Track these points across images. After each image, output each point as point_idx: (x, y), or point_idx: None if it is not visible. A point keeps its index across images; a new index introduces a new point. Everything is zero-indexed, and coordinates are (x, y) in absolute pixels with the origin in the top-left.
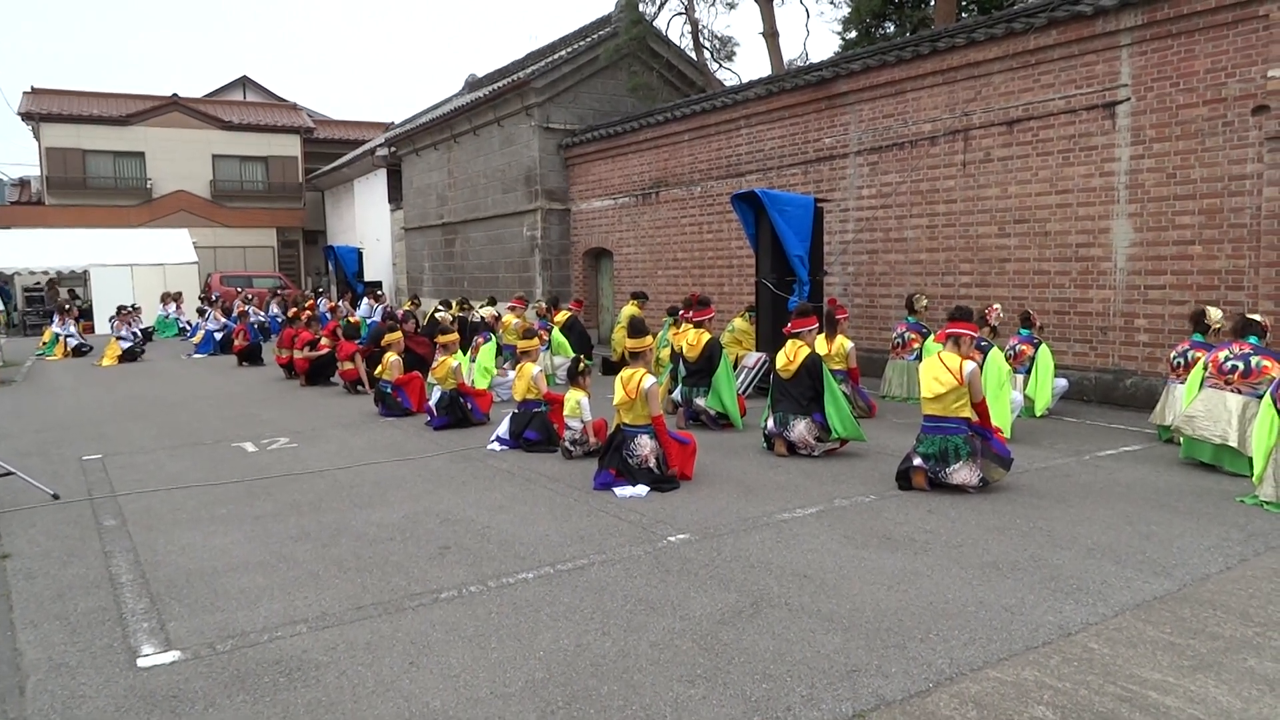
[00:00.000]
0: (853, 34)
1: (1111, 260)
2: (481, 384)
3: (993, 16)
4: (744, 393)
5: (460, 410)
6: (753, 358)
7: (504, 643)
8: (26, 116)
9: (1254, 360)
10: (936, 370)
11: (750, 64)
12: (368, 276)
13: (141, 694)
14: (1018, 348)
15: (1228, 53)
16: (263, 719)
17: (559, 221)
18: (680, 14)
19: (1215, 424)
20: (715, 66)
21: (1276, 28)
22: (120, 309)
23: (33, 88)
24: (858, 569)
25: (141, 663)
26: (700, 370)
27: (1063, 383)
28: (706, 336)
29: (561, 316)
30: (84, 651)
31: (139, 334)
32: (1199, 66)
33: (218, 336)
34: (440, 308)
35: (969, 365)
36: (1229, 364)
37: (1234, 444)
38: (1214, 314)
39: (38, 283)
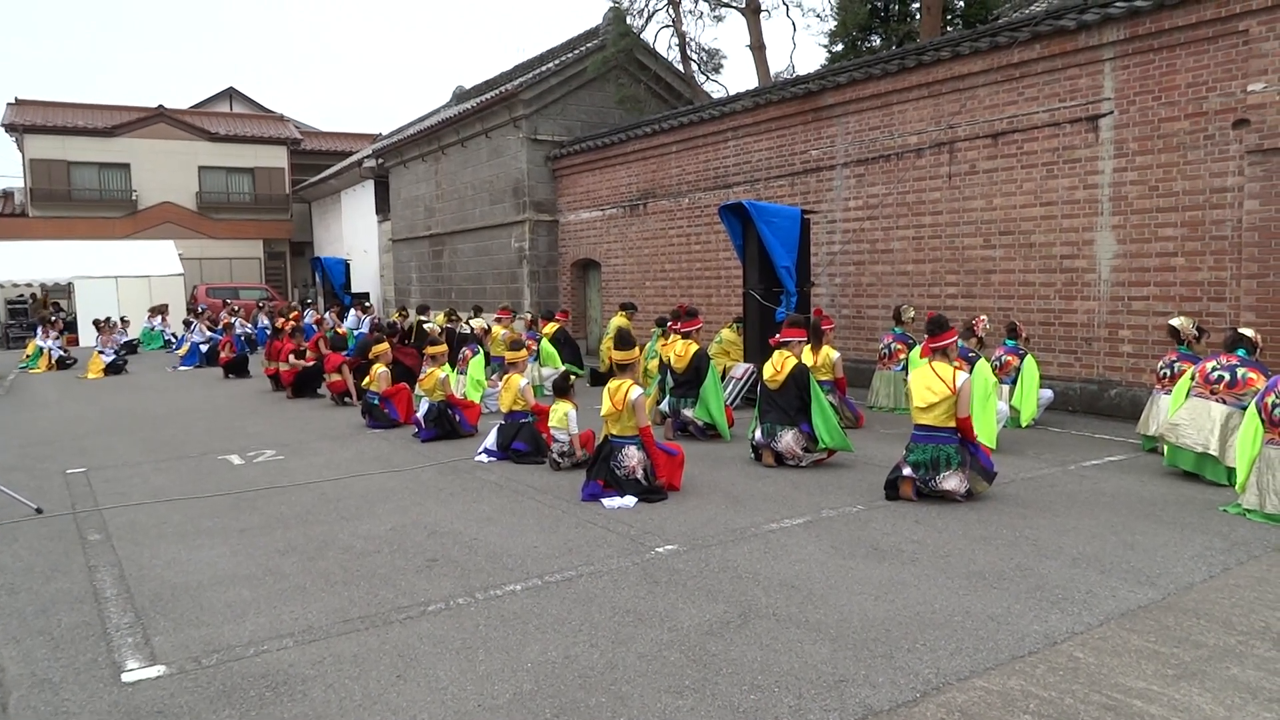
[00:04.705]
0: (839, 47)
1: (1095, 272)
2: (473, 396)
3: (977, 30)
4: (732, 403)
5: (448, 422)
6: (740, 368)
7: (492, 655)
8: (10, 128)
9: (1240, 371)
10: (929, 380)
11: (737, 76)
12: (355, 288)
13: (126, 709)
14: (1003, 358)
15: (1208, 67)
16: None
17: (547, 233)
18: (668, 26)
19: (1199, 433)
20: (703, 79)
21: (1256, 43)
22: (98, 323)
23: (16, 99)
24: (845, 579)
25: (126, 678)
26: (688, 381)
27: (1048, 393)
28: (694, 347)
29: (550, 328)
30: (68, 667)
31: (123, 347)
32: (1180, 81)
33: (203, 349)
34: (423, 317)
35: (961, 376)
36: (1215, 374)
37: (1215, 452)
38: (1180, 322)
39: (20, 295)
